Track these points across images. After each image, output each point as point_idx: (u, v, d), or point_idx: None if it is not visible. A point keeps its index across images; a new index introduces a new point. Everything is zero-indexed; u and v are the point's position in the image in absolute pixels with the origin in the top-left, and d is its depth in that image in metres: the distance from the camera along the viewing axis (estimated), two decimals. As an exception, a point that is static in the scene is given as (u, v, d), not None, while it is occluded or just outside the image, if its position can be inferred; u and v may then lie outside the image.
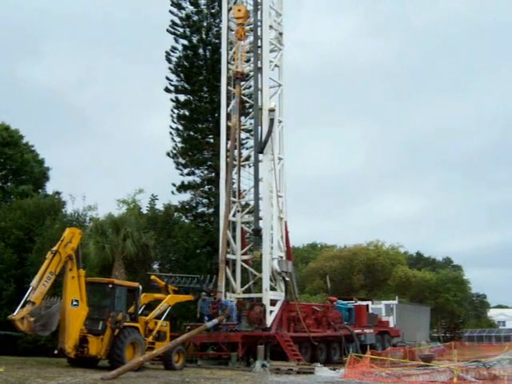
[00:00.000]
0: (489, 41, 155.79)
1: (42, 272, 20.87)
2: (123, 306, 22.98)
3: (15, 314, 20.13)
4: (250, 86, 33.47)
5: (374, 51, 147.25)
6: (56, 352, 21.73)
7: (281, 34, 33.37)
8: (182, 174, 40.62)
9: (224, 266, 30.12)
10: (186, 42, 41.18)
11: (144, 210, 38.25)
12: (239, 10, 32.46)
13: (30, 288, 20.56)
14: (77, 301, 21.38)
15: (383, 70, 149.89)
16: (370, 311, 39.34)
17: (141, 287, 24.04)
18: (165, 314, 25.17)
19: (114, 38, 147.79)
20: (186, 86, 41.11)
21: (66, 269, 21.45)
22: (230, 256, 31.07)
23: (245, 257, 31.70)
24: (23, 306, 20.26)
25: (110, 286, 22.96)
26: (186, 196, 40.58)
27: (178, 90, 41.15)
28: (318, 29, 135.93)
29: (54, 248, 21.39)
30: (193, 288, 28.00)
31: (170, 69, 41.05)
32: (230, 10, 33.51)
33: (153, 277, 27.07)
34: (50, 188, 45.85)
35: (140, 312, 24.03)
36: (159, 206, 39.07)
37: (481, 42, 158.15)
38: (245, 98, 33.81)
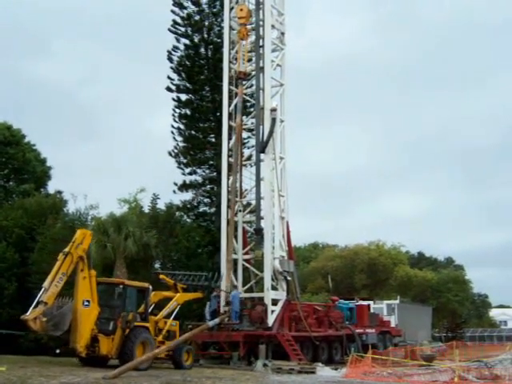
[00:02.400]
0: (490, 40, 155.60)
1: (54, 273, 21.27)
2: (133, 306, 23.33)
3: (28, 314, 20.49)
4: (252, 86, 33.47)
5: (376, 50, 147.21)
6: (58, 351, 21.90)
7: (283, 33, 33.36)
8: (183, 174, 40.69)
9: (231, 266, 30.19)
10: (187, 42, 41.25)
11: (146, 209, 38.31)
12: (241, 10, 32.42)
13: (43, 289, 20.91)
14: (88, 301, 21.74)
15: (386, 69, 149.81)
16: (372, 311, 39.34)
17: (151, 287, 24.30)
18: (174, 313, 25.36)
19: (116, 36, 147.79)
20: (188, 85, 41.14)
21: (78, 269, 21.82)
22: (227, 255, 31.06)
23: (246, 256, 31.69)
24: (36, 307, 20.60)
25: (121, 286, 23.41)
26: (187, 195, 40.67)
27: (179, 90, 41.19)
28: (320, 28, 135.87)
29: (66, 249, 21.79)
30: (201, 286, 28.19)
31: (171, 68, 41.13)
32: (231, 9, 33.49)
33: (162, 276, 27.24)
34: (51, 187, 45.95)
35: (150, 310, 24.27)
36: (161, 205, 39.14)
37: (483, 42, 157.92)
38: (246, 98, 33.80)
